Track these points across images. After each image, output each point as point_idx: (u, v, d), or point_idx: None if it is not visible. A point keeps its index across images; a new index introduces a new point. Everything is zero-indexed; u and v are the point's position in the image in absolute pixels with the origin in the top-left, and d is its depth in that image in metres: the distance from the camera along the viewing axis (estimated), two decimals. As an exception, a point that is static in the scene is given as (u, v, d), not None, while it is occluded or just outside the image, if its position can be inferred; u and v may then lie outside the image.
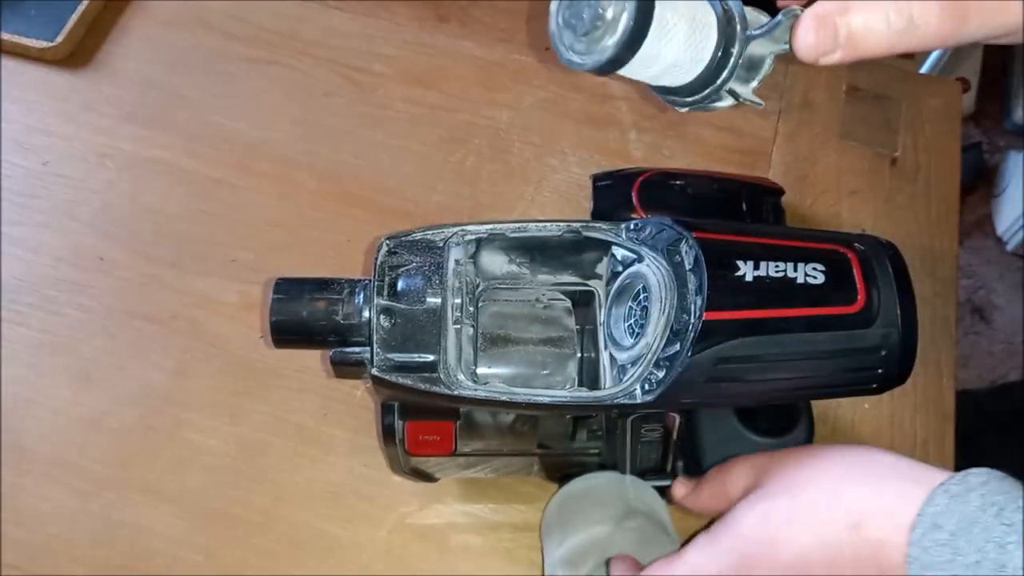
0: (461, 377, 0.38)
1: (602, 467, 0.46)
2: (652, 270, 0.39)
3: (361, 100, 0.65)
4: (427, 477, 0.48)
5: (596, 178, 0.56)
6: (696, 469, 0.47)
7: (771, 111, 0.66)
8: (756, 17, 0.32)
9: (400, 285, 0.40)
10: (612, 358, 0.41)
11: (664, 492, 0.46)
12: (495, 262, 0.44)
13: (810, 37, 0.29)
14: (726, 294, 0.37)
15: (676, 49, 0.30)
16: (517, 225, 0.43)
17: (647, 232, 0.41)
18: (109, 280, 0.57)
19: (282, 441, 0.53)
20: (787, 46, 0.32)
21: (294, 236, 0.60)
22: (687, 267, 0.38)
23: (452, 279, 0.40)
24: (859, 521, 0.33)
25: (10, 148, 0.62)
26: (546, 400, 0.38)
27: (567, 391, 0.39)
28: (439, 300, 0.40)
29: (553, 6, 0.32)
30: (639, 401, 0.37)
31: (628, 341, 0.40)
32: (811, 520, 0.34)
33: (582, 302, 0.44)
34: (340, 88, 0.66)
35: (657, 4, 0.29)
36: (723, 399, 0.42)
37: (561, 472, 0.49)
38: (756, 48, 0.32)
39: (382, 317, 0.39)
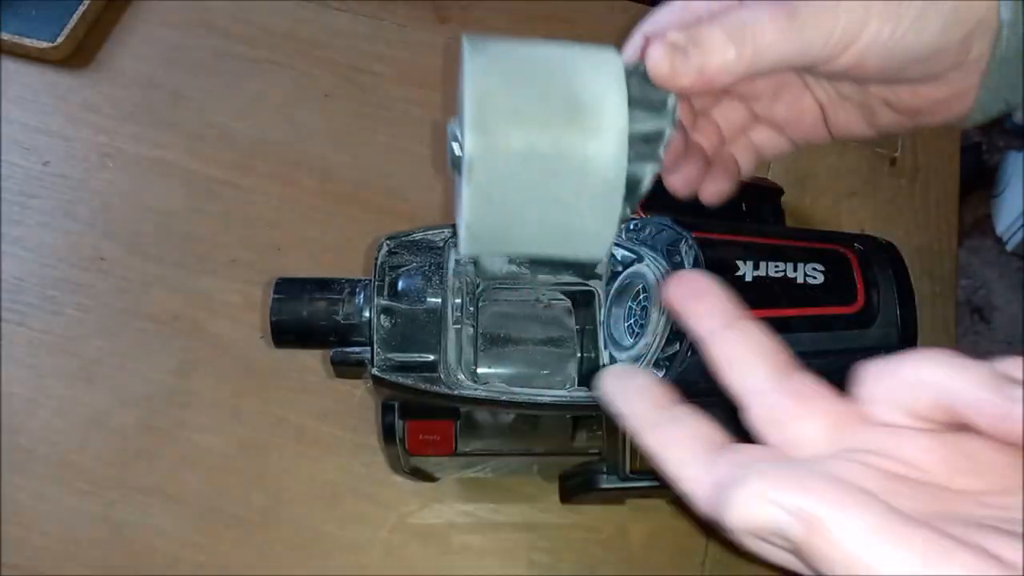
0: (461, 377, 0.38)
1: (602, 463, 0.46)
2: (652, 270, 0.39)
3: (361, 100, 0.65)
4: (427, 477, 0.48)
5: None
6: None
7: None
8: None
9: (400, 285, 0.40)
10: (612, 358, 0.41)
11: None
12: (495, 262, 0.44)
13: (663, 63, 0.30)
14: (726, 294, 0.37)
15: None
16: (517, 225, 0.43)
17: (647, 232, 0.41)
18: (109, 280, 0.58)
19: (282, 441, 0.53)
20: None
21: (294, 236, 0.60)
22: (687, 267, 0.38)
23: (452, 279, 0.40)
24: None
25: (10, 148, 0.62)
26: (546, 400, 0.38)
27: (567, 391, 0.39)
28: (439, 300, 0.40)
29: None
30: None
31: (628, 341, 0.40)
32: None
33: (582, 302, 0.44)
34: (340, 88, 0.66)
35: None
36: (723, 400, 0.42)
37: (561, 472, 0.49)
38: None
39: (382, 317, 0.39)
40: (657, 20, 0.35)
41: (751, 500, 0.20)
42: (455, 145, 0.30)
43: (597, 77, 0.30)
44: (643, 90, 0.31)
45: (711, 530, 0.24)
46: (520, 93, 0.29)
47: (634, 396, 0.27)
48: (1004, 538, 0.19)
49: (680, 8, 0.35)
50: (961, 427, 0.22)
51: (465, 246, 0.32)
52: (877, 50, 0.31)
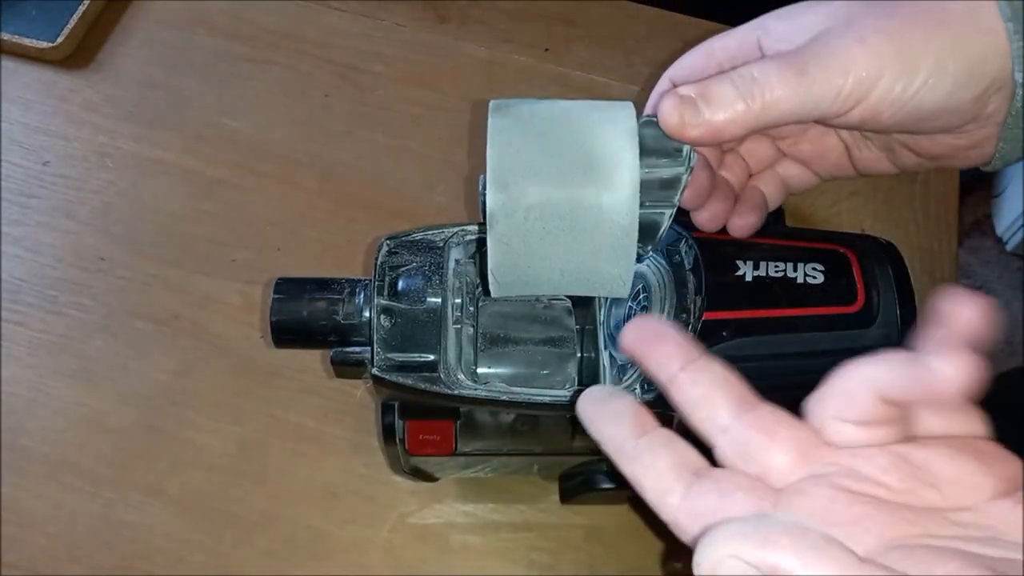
0: (461, 377, 0.38)
1: (602, 462, 0.46)
2: (652, 270, 0.39)
3: (361, 100, 0.65)
4: (427, 477, 0.48)
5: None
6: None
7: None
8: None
9: (400, 285, 0.40)
10: (612, 358, 0.41)
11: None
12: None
13: (674, 115, 0.31)
14: (726, 294, 0.37)
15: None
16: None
17: (647, 232, 0.41)
18: (109, 280, 0.58)
19: (282, 441, 0.53)
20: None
21: (294, 236, 0.60)
22: (687, 267, 0.38)
23: (452, 279, 0.40)
24: None
25: (10, 148, 0.62)
26: (546, 400, 0.38)
27: (567, 391, 0.39)
28: (439, 300, 0.40)
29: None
30: (639, 401, 0.37)
31: (628, 341, 0.40)
32: None
33: (582, 302, 0.45)
34: (340, 88, 0.66)
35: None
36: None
37: (561, 472, 0.49)
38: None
39: (382, 317, 0.39)
40: (681, 64, 0.36)
41: (717, 557, 0.21)
42: (482, 198, 0.32)
43: (611, 132, 0.31)
44: (659, 139, 0.32)
45: (664, 532, 0.25)
46: (537, 150, 0.31)
47: (611, 421, 0.27)
48: (962, 562, 0.20)
49: (703, 53, 0.35)
50: (911, 439, 0.24)
51: (492, 290, 0.34)
52: (888, 106, 0.31)
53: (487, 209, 0.31)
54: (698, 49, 0.36)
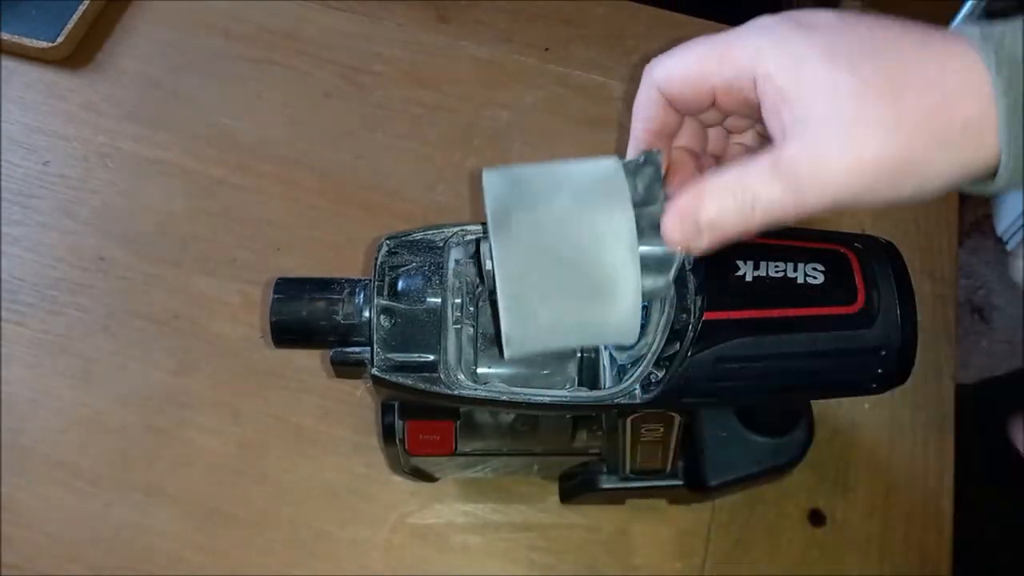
0: (461, 377, 0.38)
1: (602, 463, 0.46)
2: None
3: (361, 100, 0.65)
4: (427, 477, 0.48)
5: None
6: (696, 470, 0.47)
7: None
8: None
9: (400, 285, 0.40)
10: (612, 358, 0.41)
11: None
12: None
13: (676, 233, 0.32)
14: (726, 294, 0.37)
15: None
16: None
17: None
18: (109, 280, 0.58)
19: (282, 441, 0.53)
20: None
21: (294, 236, 0.60)
22: (686, 267, 0.38)
23: (452, 279, 0.40)
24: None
25: (10, 148, 0.62)
26: (546, 400, 0.38)
27: (567, 391, 0.39)
28: (439, 300, 0.40)
29: None
30: (639, 401, 0.37)
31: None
32: None
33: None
34: (340, 88, 0.66)
35: None
36: (723, 399, 0.42)
37: (561, 472, 0.49)
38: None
39: (382, 317, 0.39)
40: (671, 75, 0.35)
41: None
42: (488, 262, 0.34)
43: (613, 246, 0.32)
44: (656, 215, 0.33)
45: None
46: (545, 274, 0.32)
47: None
48: None
49: (697, 74, 0.34)
50: None
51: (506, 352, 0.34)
52: (875, 204, 0.32)
53: (503, 333, 0.32)
54: (689, 61, 0.34)
